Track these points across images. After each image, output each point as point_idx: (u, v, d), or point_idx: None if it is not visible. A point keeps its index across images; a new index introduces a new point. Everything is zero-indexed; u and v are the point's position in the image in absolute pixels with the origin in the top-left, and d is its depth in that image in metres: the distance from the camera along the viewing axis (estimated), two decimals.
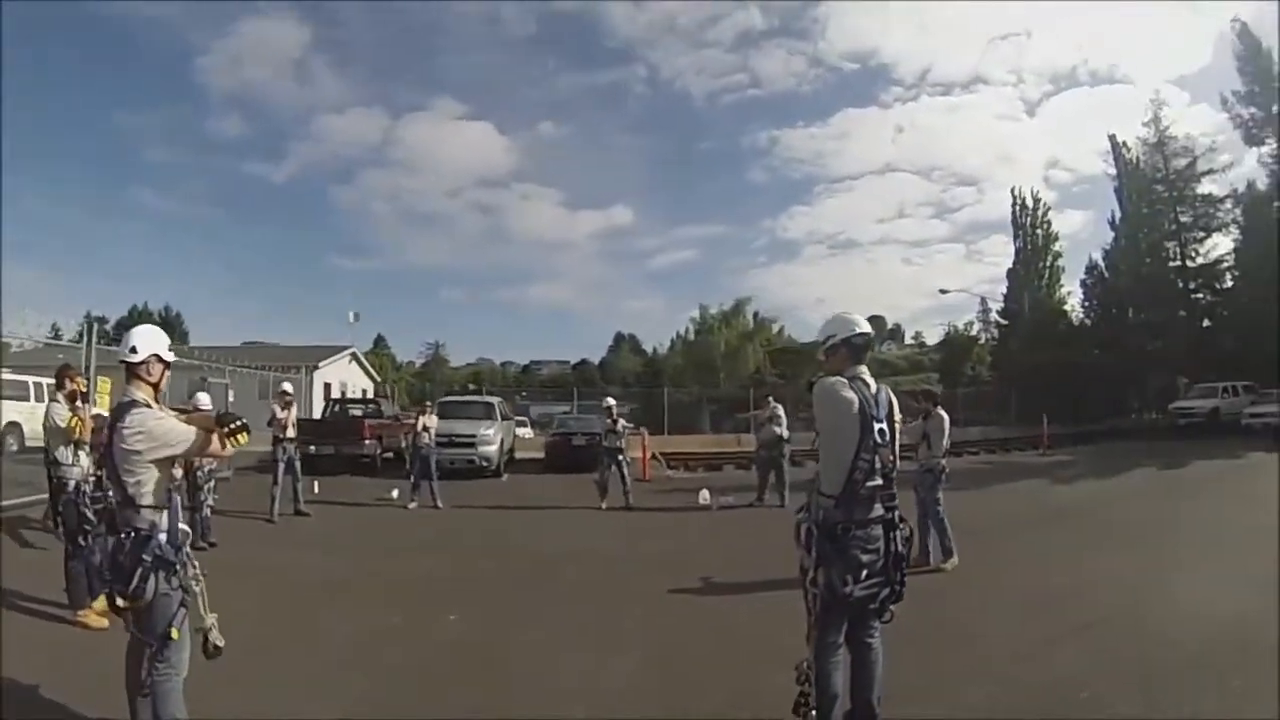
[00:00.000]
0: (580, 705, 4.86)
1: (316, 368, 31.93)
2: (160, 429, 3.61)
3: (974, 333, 58.83)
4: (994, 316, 52.28)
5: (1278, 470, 14.33)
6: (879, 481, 3.90)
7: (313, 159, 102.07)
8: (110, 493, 3.76)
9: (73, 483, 6.39)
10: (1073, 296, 45.00)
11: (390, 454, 20.48)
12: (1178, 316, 37.83)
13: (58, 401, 6.60)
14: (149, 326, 4.00)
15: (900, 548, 3.97)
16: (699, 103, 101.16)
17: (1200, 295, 38.55)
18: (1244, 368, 29.35)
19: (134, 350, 3.76)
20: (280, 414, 12.35)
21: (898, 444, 4.05)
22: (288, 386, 13.07)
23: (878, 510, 3.93)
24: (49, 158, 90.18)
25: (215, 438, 3.77)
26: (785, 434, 14.08)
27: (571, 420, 24.05)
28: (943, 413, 9.23)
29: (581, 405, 33.46)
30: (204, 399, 10.28)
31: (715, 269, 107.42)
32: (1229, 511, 12.36)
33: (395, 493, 14.30)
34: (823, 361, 4.27)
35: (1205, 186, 37.99)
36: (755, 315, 59.36)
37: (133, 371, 3.78)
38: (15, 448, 16.67)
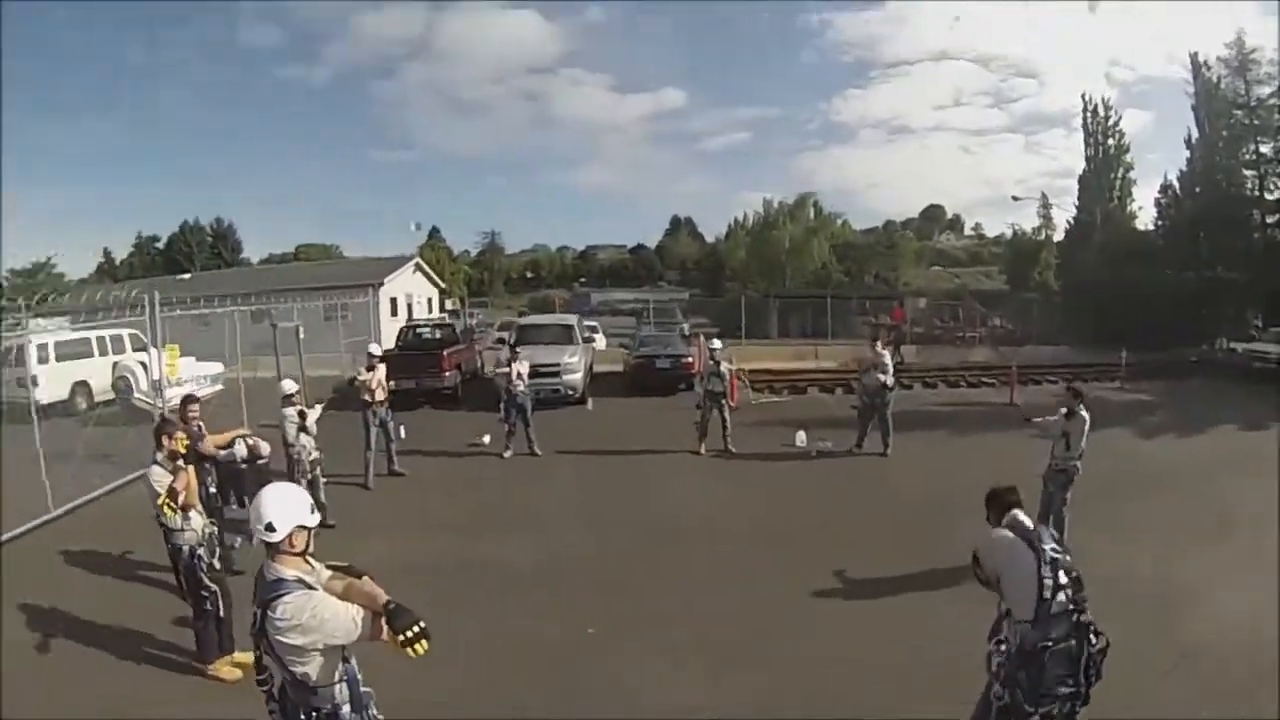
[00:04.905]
0: None
1: (381, 284, 31.27)
2: (319, 620, 3.03)
3: (1040, 236, 56.14)
4: (1060, 219, 49.98)
5: None
6: (1069, 590, 3.97)
7: (353, 58, 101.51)
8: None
9: (186, 548, 5.86)
10: (1143, 211, 42.76)
11: (469, 376, 20.48)
12: (1252, 248, 35.46)
13: (157, 463, 5.94)
14: (278, 490, 3.34)
15: (1093, 649, 3.97)
16: None
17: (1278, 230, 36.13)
18: None
19: (271, 529, 3.16)
20: (366, 376, 11.79)
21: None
22: (375, 349, 12.46)
23: (1074, 619, 3.97)
24: (87, 83, 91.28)
25: (385, 627, 3.10)
26: (890, 381, 13.31)
27: (651, 339, 23.38)
28: (1086, 414, 8.67)
29: (657, 321, 32.61)
30: (289, 385, 9.78)
31: (768, 151, 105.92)
32: None
33: (487, 438, 13.90)
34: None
35: None
36: (817, 205, 57.48)
37: (274, 547, 3.20)
38: (85, 406, 16.34)
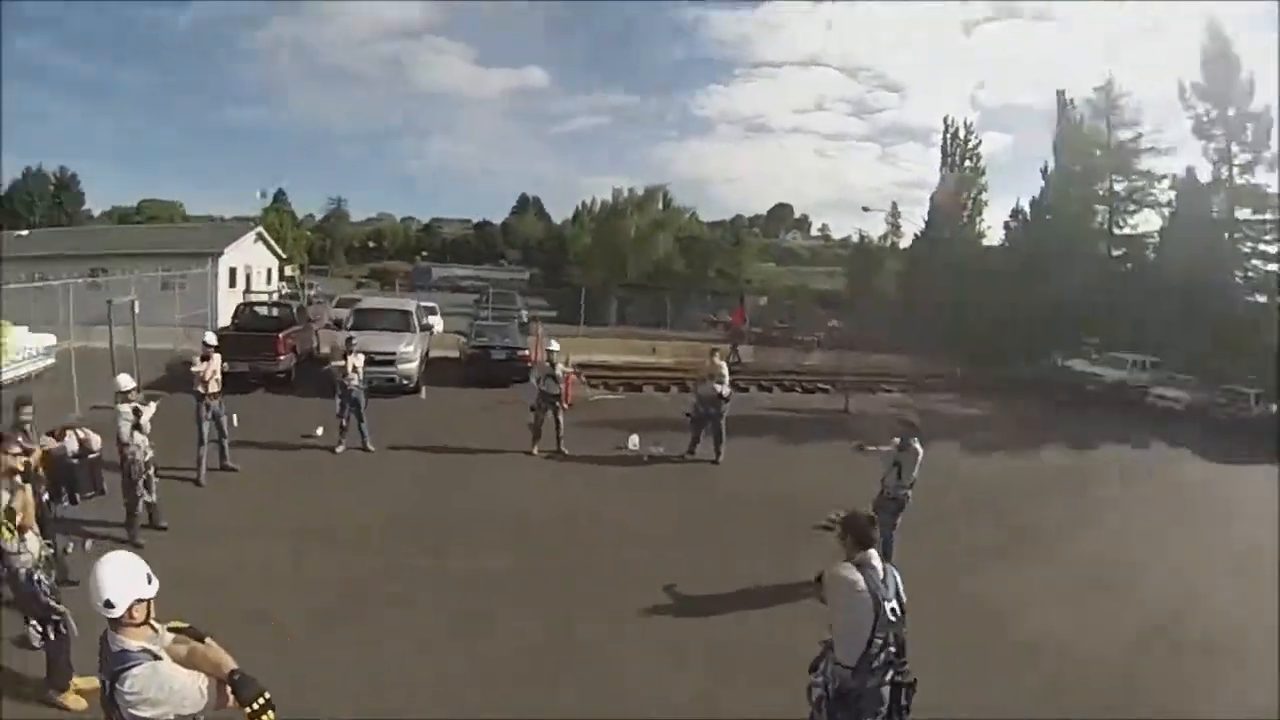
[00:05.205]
0: None
1: (221, 254, 29.64)
2: (166, 692, 3.10)
3: (887, 244, 58.45)
4: (908, 230, 52.22)
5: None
6: (893, 649, 4.30)
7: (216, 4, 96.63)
8: None
9: (23, 571, 5.64)
10: (991, 231, 45.33)
11: (303, 358, 20.16)
12: (1095, 278, 37.17)
13: None
14: (113, 563, 3.26)
15: (904, 701, 4.36)
16: None
17: (1125, 265, 38.65)
18: (1151, 343, 29.94)
19: (109, 605, 3.15)
20: (200, 366, 11.31)
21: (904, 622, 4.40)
22: (210, 338, 12.01)
23: (889, 675, 4.32)
24: None
25: (230, 695, 3.20)
26: (726, 392, 13.97)
27: (488, 328, 23.54)
28: (919, 446, 8.92)
29: (495, 307, 32.30)
30: (125, 381, 9.18)
31: (625, 138, 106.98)
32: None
33: (320, 430, 13.88)
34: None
35: (1146, 162, 37.98)
36: (666, 197, 58.36)
37: (115, 621, 3.20)
38: None
